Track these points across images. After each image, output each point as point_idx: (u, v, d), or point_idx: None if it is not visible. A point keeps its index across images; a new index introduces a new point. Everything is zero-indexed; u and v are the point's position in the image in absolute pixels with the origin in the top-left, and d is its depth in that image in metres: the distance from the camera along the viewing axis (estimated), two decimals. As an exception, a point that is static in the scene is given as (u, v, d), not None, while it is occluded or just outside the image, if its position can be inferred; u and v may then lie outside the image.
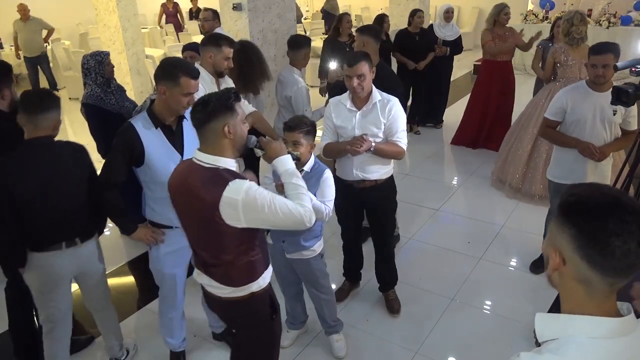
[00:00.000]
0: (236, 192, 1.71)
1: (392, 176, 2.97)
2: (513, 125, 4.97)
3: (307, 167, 2.45)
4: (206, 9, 4.86)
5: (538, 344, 1.03)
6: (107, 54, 3.56)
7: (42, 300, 2.42)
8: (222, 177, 1.74)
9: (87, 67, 3.49)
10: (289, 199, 1.84)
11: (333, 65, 4.08)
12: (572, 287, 1.00)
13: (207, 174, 1.77)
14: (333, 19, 11.06)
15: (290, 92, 3.67)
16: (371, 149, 2.66)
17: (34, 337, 2.71)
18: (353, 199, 2.96)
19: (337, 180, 2.97)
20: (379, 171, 2.85)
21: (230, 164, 1.82)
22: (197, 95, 2.82)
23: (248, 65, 3.53)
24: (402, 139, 2.76)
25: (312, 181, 2.41)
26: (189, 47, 3.75)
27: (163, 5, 11.08)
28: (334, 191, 2.52)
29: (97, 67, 3.47)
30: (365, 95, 2.72)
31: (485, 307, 3.26)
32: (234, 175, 1.78)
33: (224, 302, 1.96)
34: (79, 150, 2.35)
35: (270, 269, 2.03)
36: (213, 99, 1.79)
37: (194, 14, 11.52)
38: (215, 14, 4.80)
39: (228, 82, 3.21)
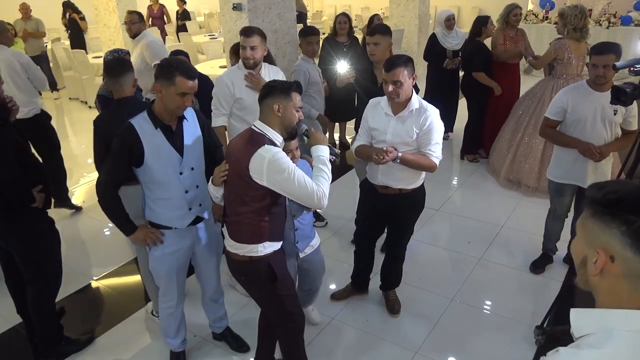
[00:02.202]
0: (266, 152, 2.03)
1: (420, 188, 2.86)
2: (513, 123, 4.87)
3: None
4: (131, 12, 4.81)
5: (538, 344, 1.03)
6: (125, 52, 3.61)
7: None
8: (263, 140, 2.09)
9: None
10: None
11: (343, 68, 3.87)
12: (615, 283, 0.98)
13: (255, 135, 2.13)
14: (303, 19, 11.20)
15: (295, 75, 4.02)
16: (397, 160, 2.59)
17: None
18: (375, 203, 2.92)
19: (365, 182, 2.98)
20: (404, 180, 2.76)
21: (276, 137, 2.13)
22: (234, 87, 3.14)
23: None
24: (434, 152, 2.64)
25: None
26: (176, 54, 3.59)
27: (149, 7, 10.93)
28: None
29: None
30: (403, 101, 2.63)
31: (485, 307, 3.26)
32: (273, 143, 2.10)
33: (230, 257, 2.27)
34: None
35: (276, 246, 2.24)
36: (279, 82, 2.20)
37: (180, 15, 11.41)
38: (141, 17, 4.77)
39: (267, 72, 3.34)
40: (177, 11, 11.58)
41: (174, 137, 2.35)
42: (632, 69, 2.48)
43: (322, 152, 2.20)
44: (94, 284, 3.65)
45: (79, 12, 9.10)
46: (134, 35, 4.71)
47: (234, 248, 2.23)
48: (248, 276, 2.31)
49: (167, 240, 2.46)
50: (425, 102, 2.69)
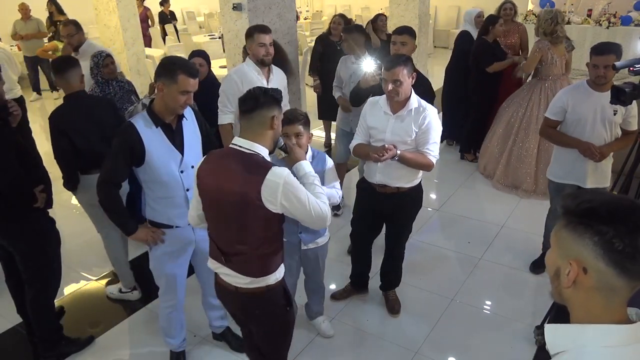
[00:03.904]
0: (279, 177, 1.81)
1: (418, 186, 2.88)
2: (503, 127, 4.80)
3: (307, 157, 2.44)
4: (65, 24, 4.35)
5: (538, 344, 1.02)
6: (105, 56, 3.56)
7: (93, 213, 3.17)
8: (265, 161, 1.87)
9: (91, 67, 3.53)
10: None
11: (369, 67, 3.30)
12: (589, 296, 0.96)
13: (250, 158, 1.86)
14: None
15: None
16: (395, 157, 2.61)
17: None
18: (373, 202, 2.91)
19: (362, 181, 2.98)
20: (402, 179, 2.77)
21: (266, 153, 1.92)
22: (243, 85, 3.09)
23: None
24: (432, 151, 2.67)
25: (316, 170, 2.41)
26: (198, 54, 3.74)
27: None
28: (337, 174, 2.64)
29: (95, 68, 3.51)
30: (402, 100, 2.64)
31: (485, 307, 3.26)
32: (270, 163, 1.88)
33: (240, 294, 1.99)
34: (107, 102, 3.21)
35: (283, 265, 2.10)
36: (269, 90, 1.91)
37: (168, 16, 11.16)
38: (77, 26, 4.27)
39: (276, 73, 3.37)
40: (162, 12, 11.22)
41: (174, 135, 2.35)
42: (631, 68, 2.49)
43: (307, 168, 2.06)
44: (94, 284, 3.65)
45: (62, 13, 8.98)
46: (75, 48, 4.22)
47: (250, 284, 1.96)
48: (265, 309, 2.03)
49: (168, 239, 2.46)
50: (423, 102, 2.70)
